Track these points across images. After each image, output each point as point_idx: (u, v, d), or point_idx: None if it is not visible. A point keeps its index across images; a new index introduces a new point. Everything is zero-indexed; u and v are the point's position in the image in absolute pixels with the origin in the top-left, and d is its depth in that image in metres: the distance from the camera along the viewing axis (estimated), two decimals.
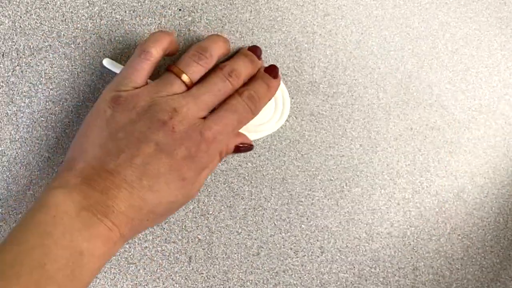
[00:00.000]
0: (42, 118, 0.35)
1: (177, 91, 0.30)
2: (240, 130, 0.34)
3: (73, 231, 0.26)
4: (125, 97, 0.30)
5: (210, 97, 0.31)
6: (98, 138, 0.29)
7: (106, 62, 0.34)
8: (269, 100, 0.34)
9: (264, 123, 0.36)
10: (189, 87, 0.31)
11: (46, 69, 0.35)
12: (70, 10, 0.35)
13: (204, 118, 0.31)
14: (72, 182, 0.28)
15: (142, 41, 0.32)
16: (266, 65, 0.35)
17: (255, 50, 0.35)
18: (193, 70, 0.31)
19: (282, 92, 0.36)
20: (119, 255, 0.35)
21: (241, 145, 0.33)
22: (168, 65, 0.32)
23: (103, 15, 0.36)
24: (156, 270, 0.35)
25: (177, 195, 0.30)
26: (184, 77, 0.31)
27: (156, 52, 0.31)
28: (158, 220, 0.31)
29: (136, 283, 0.35)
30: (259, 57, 0.35)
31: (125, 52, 0.36)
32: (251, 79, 0.34)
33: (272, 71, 0.34)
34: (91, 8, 0.36)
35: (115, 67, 0.34)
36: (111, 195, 0.28)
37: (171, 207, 0.30)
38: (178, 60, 0.32)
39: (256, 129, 0.35)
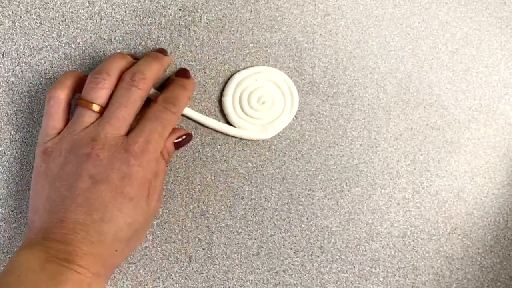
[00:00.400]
0: (42, 118, 0.35)
1: (90, 121, 0.31)
2: (258, 130, 0.35)
3: (40, 284, 0.26)
4: (51, 146, 0.31)
5: (122, 112, 0.30)
6: (42, 193, 0.30)
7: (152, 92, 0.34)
8: (188, 98, 0.34)
9: (278, 117, 0.36)
10: (101, 112, 0.31)
11: (46, 69, 0.35)
12: (70, 10, 0.35)
13: (128, 134, 0.31)
14: (33, 240, 0.29)
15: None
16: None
17: (160, 50, 0.35)
18: (96, 96, 0.31)
19: (287, 83, 0.36)
20: None
21: (178, 140, 0.34)
22: (76, 100, 0.32)
23: (103, 15, 0.36)
24: (156, 270, 0.35)
25: (133, 216, 0.30)
26: (91, 106, 0.31)
27: (63, 93, 0.31)
28: (130, 246, 0.31)
29: (136, 283, 0.35)
30: (163, 53, 0.34)
31: (125, 52, 0.36)
32: (166, 85, 0.34)
33: (183, 74, 0.34)
34: (91, 8, 0.36)
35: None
36: (69, 240, 0.28)
37: (134, 228, 0.30)
38: (82, 91, 0.32)
39: (273, 125, 0.36)
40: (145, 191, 0.30)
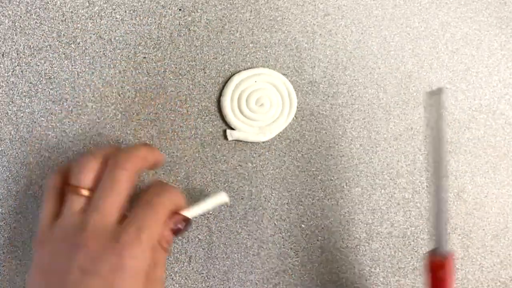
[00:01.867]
0: (42, 118, 0.35)
1: (80, 206, 0.29)
2: (256, 132, 0.35)
3: None
4: (42, 235, 0.29)
5: (109, 198, 0.29)
6: (33, 285, 0.28)
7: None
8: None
9: (276, 120, 0.36)
10: (90, 196, 0.29)
11: (46, 69, 0.35)
12: (70, 10, 0.35)
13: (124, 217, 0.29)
14: None
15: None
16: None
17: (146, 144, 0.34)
18: (81, 179, 0.29)
19: (286, 86, 0.36)
20: None
21: (174, 227, 0.31)
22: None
23: (103, 15, 0.36)
24: None
25: None
26: (78, 191, 0.29)
27: (55, 180, 0.31)
28: None
29: None
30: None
31: (125, 52, 0.36)
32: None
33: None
34: (91, 8, 0.36)
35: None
36: None
37: None
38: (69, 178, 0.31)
39: (270, 127, 0.36)
40: (139, 285, 0.27)
